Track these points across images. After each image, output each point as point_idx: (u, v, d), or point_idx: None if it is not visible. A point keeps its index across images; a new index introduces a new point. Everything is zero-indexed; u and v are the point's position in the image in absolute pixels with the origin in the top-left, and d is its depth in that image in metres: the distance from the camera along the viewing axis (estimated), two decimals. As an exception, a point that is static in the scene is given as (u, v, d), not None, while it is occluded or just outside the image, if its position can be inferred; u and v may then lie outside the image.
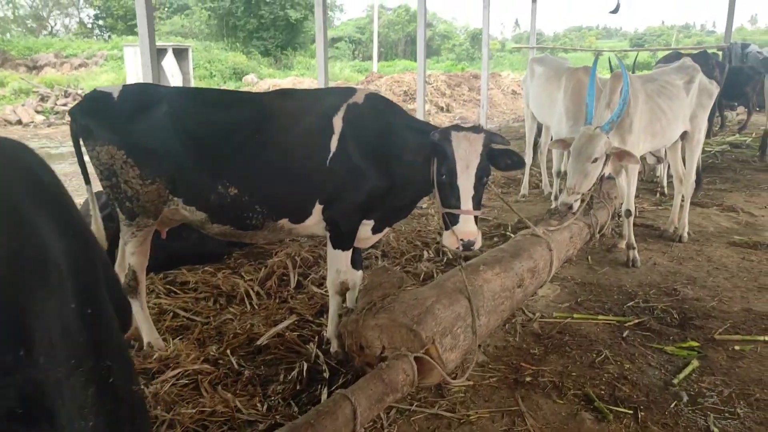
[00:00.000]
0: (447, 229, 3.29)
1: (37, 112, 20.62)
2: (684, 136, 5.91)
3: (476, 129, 3.27)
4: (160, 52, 24.34)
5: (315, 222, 3.57)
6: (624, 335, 4.04)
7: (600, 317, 4.31)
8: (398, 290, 3.47)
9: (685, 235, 6.04)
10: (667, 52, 13.96)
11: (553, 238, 4.66)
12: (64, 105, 22.05)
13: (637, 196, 7.73)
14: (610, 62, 9.70)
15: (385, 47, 50.79)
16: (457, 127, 3.27)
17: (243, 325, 4.06)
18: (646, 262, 5.44)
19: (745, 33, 60.11)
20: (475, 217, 3.24)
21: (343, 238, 3.62)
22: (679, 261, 5.50)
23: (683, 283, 4.96)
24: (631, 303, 4.57)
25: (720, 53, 14.50)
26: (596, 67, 5.20)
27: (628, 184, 5.37)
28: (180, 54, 25.45)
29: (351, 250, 3.68)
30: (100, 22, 47.80)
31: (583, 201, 5.06)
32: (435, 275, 4.75)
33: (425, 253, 5.51)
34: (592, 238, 5.61)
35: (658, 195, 7.98)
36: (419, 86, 15.75)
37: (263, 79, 28.63)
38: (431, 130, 3.33)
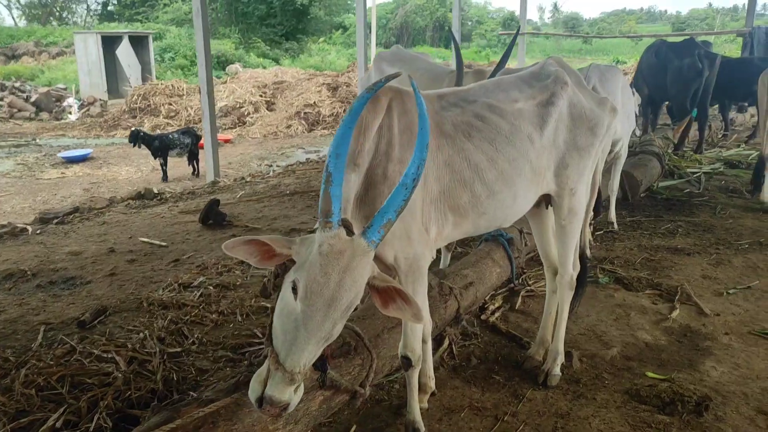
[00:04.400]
0: None
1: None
2: (548, 202, 3.29)
3: None
4: (115, 40, 22.27)
5: None
6: None
7: None
8: None
9: (556, 372, 3.39)
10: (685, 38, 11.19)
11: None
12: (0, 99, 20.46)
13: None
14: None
15: (411, 33, 48.96)
16: None
17: None
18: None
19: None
20: None
21: None
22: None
23: None
24: None
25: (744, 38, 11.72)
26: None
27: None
28: (140, 42, 23.34)
29: None
30: (110, 8, 46.54)
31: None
32: None
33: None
34: (354, 397, 3.06)
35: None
36: (360, 77, 13.24)
37: (246, 69, 27.08)
38: None
